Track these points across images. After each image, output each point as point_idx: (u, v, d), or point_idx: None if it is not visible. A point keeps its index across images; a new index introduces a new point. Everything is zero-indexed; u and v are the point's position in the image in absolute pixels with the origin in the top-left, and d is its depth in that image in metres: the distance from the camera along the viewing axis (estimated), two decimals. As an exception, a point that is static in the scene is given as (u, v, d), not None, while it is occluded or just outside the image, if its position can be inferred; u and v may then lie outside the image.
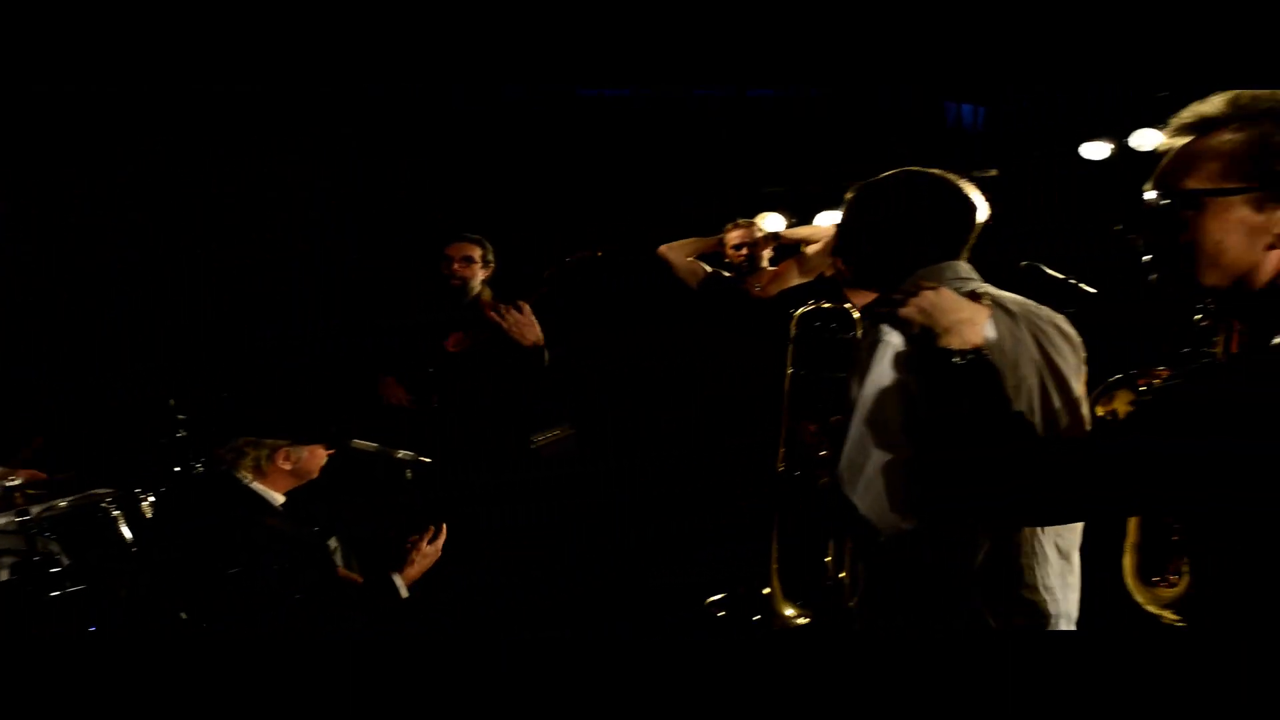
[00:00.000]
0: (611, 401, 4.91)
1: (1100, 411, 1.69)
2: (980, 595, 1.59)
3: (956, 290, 1.56)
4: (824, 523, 1.90)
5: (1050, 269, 3.42)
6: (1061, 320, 1.77)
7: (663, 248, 4.10)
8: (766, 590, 2.41)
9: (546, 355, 3.51)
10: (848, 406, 1.56)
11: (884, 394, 1.52)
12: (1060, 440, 1.55)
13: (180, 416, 2.89)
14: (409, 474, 3.20)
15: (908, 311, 1.45)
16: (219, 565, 2.43)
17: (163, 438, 2.88)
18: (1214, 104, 1.16)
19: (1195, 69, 4.64)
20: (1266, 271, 1.11)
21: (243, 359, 4.18)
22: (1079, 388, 1.71)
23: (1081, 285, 3.35)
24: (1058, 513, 1.34)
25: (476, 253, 3.80)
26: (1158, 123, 3.90)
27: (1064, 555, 1.67)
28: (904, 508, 1.51)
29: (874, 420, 1.52)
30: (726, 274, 3.98)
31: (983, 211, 1.80)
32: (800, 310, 2.21)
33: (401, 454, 3.17)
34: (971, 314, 1.44)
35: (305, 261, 4.67)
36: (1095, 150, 4.91)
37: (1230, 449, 1.01)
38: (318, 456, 2.82)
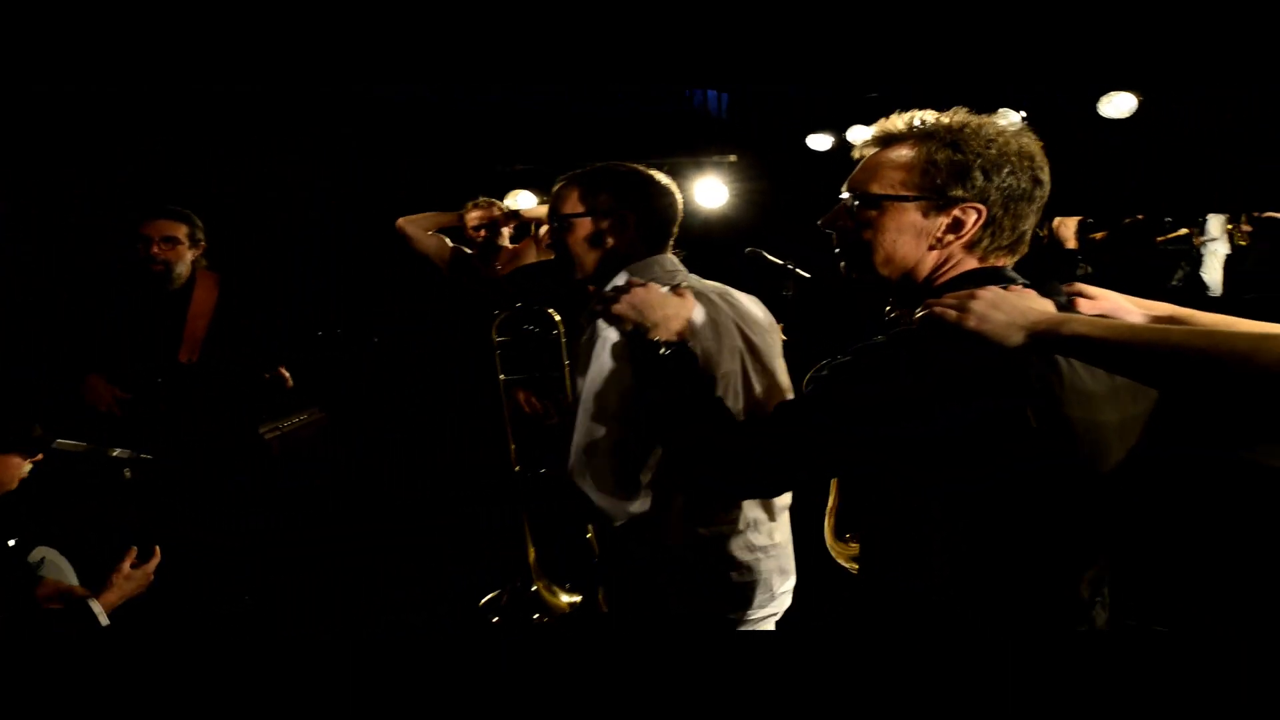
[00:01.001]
0: (360, 388, 4.74)
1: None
2: (697, 561, 1.70)
3: (663, 283, 1.63)
4: (571, 512, 1.96)
5: (771, 255, 3.74)
6: (759, 306, 1.89)
7: (401, 220, 3.95)
8: (534, 587, 2.45)
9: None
10: (573, 402, 1.60)
11: (605, 387, 1.58)
12: (752, 420, 1.67)
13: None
14: (127, 473, 2.87)
15: (619, 308, 1.50)
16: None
17: None
18: (896, 122, 1.31)
19: (904, 73, 5.22)
20: (926, 267, 1.29)
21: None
22: (779, 367, 1.83)
23: (798, 270, 3.69)
24: (761, 485, 1.45)
25: (181, 230, 3.29)
26: (868, 121, 4.31)
27: (771, 517, 1.80)
28: (633, 494, 1.58)
29: (599, 413, 1.57)
30: (468, 250, 3.92)
31: (682, 203, 1.85)
32: (498, 317, 2.23)
33: (117, 452, 2.81)
34: (676, 308, 1.52)
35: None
36: (820, 142, 5.34)
37: (851, 428, 1.18)
38: (11, 466, 2.44)
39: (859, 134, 5.21)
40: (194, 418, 3.28)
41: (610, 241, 1.76)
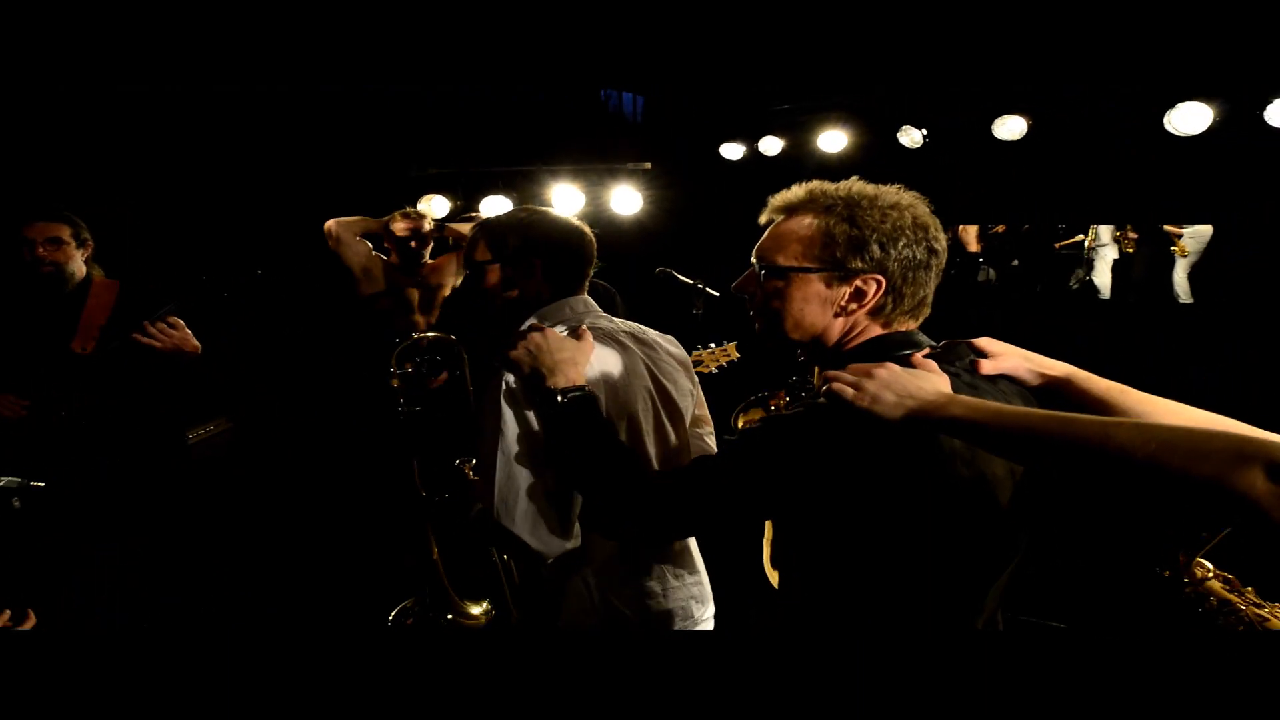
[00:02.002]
0: (271, 396, 4.64)
1: (741, 423, 1.91)
2: (612, 593, 1.75)
3: (571, 325, 1.68)
4: (484, 541, 1.97)
5: (680, 274, 3.82)
6: (672, 344, 1.93)
7: (332, 222, 3.86)
8: (446, 598, 2.45)
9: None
10: (487, 441, 1.61)
11: (519, 432, 1.59)
12: (660, 471, 1.72)
13: None
14: (16, 502, 2.76)
15: (517, 354, 1.55)
16: None
17: None
18: (797, 193, 1.38)
19: (812, 86, 5.35)
20: (834, 333, 1.36)
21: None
22: (687, 406, 1.87)
23: (708, 289, 3.79)
24: (676, 528, 1.51)
25: (65, 231, 3.17)
26: (779, 130, 4.40)
27: (684, 551, 1.86)
28: (566, 532, 1.60)
29: (517, 456, 1.58)
30: (385, 258, 3.87)
31: (594, 247, 1.88)
32: (400, 345, 2.23)
33: (4, 481, 2.71)
34: (573, 353, 1.55)
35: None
36: (732, 151, 5.42)
37: (772, 479, 1.26)
38: None
39: (770, 144, 5.32)
40: (106, 418, 3.17)
41: (518, 286, 1.79)
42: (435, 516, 2.26)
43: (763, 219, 1.42)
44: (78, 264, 3.18)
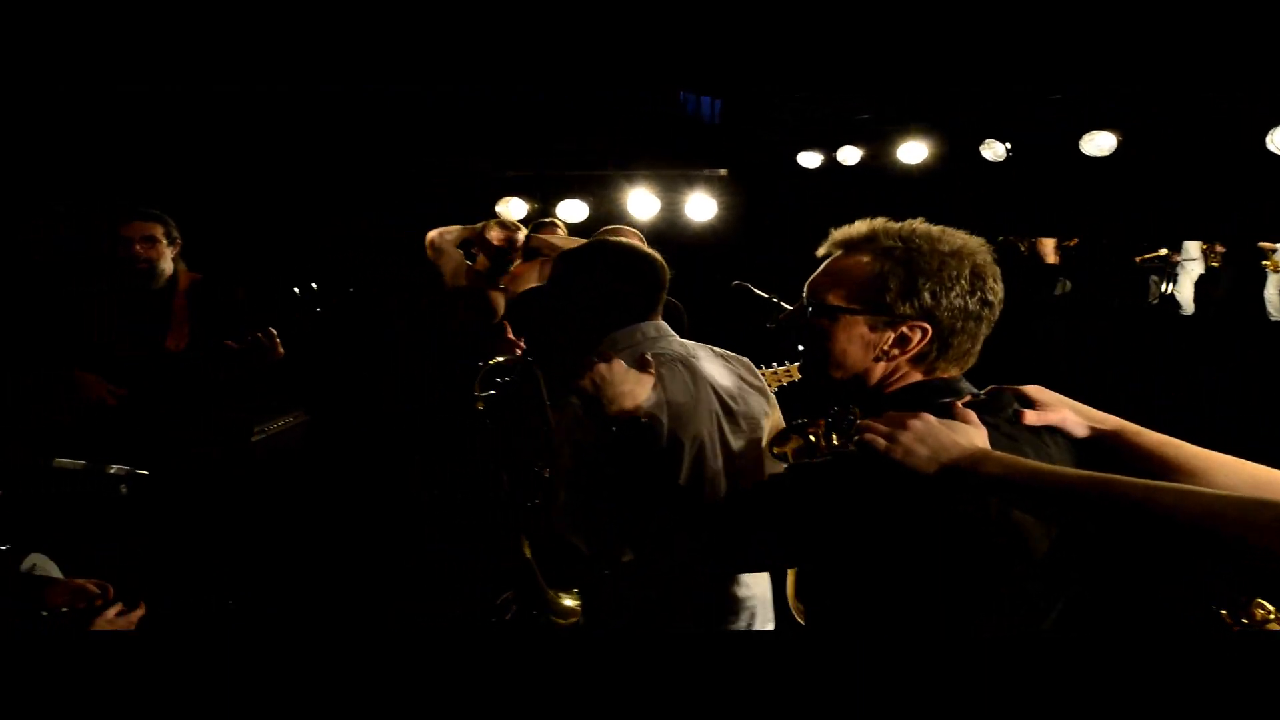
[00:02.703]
0: (347, 392, 4.81)
1: (776, 450, 1.93)
2: (669, 604, 1.80)
3: (641, 352, 1.72)
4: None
5: (757, 289, 3.84)
6: (754, 373, 1.97)
7: (434, 233, 3.98)
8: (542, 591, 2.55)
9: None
10: (554, 461, 1.71)
11: (581, 455, 1.67)
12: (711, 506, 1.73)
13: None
14: (124, 489, 2.94)
15: (583, 384, 1.57)
16: None
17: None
18: (859, 229, 1.37)
19: (894, 96, 5.30)
20: (875, 376, 1.36)
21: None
22: (760, 426, 1.88)
23: (783, 304, 3.79)
24: (720, 563, 1.57)
25: (158, 230, 3.39)
26: (859, 139, 4.38)
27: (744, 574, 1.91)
28: (621, 547, 1.68)
29: (579, 476, 1.67)
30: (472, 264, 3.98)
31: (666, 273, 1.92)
32: (486, 365, 2.32)
33: (114, 469, 2.88)
34: (634, 385, 1.57)
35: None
36: (809, 159, 5.40)
37: (812, 525, 1.28)
38: None
39: (848, 154, 5.29)
40: (189, 416, 3.35)
41: (590, 314, 1.85)
42: (527, 521, 2.35)
43: (820, 251, 1.42)
44: (167, 261, 3.38)
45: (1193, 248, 7.25)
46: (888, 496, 1.20)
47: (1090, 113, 4.56)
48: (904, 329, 1.31)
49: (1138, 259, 7.45)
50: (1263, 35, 3.89)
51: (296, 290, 4.07)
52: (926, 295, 1.29)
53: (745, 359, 1.99)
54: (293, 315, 3.98)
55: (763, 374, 3.36)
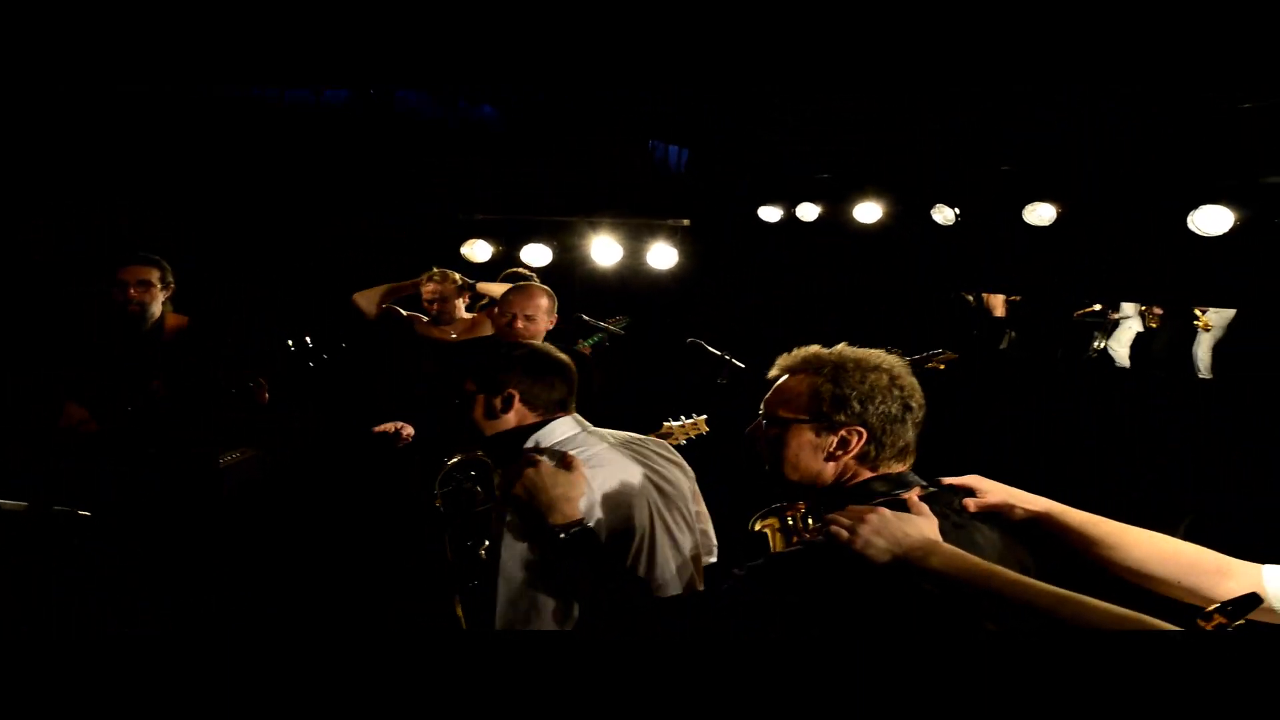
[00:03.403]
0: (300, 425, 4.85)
1: (757, 527, 2.06)
2: None
3: (563, 451, 1.80)
4: None
5: (710, 345, 4.01)
6: (664, 447, 2.04)
7: (356, 296, 4.13)
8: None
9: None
10: (493, 565, 1.74)
11: (520, 560, 1.72)
12: (669, 602, 1.81)
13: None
14: (66, 530, 3.00)
15: (516, 492, 1.69)
16: None
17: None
18: (796, 356, 1.63)
19: (851, 158, 5.54)
20: (828, 475, 1.56)
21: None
22: (689, 504, 1.98)
23: (734, 360, 3.97)
24: None
25: (154, 275, 3.51)
26: (818, 197, 4.60)
27: None
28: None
29: (517, 581, 1.71)
30: (424, 317, 4.09)
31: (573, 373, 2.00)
32: (448, 464, 2.43)
33: (58, 509, 2.94)
34: (565, 488, 1.69)
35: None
36: (770, 213, 5.62)
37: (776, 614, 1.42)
38: None
39: (807, 210, 5.52)
40: (161, 447, 3.43)
41: (502, 414, 1.92)
42: (464, 593, 2.42)
43: (770, 374, 1.65)
44: (158, 304, 3.51)
45: (1128, 307, 7.60)
46: (851, 580, 1.36)
47: (1034, 184, 4.85)
48: (843, 433, 1.53)
49: (1076, 314, 7.79)
50: (1181, 123, 4.20)
51: (290, 344, 4.16)
52: (856, 404, 1.53)
53: (654, 439, 2.09)
54: (285, 367, 4.08)
55: (670, 427, 3.51)
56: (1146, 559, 1.45)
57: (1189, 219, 4.26)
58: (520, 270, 4.58)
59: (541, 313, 3.32)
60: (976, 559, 1.33)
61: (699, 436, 3.53)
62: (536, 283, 3.62)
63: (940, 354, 3.93)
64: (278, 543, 4.14)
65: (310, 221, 5.26)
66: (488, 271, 4.83)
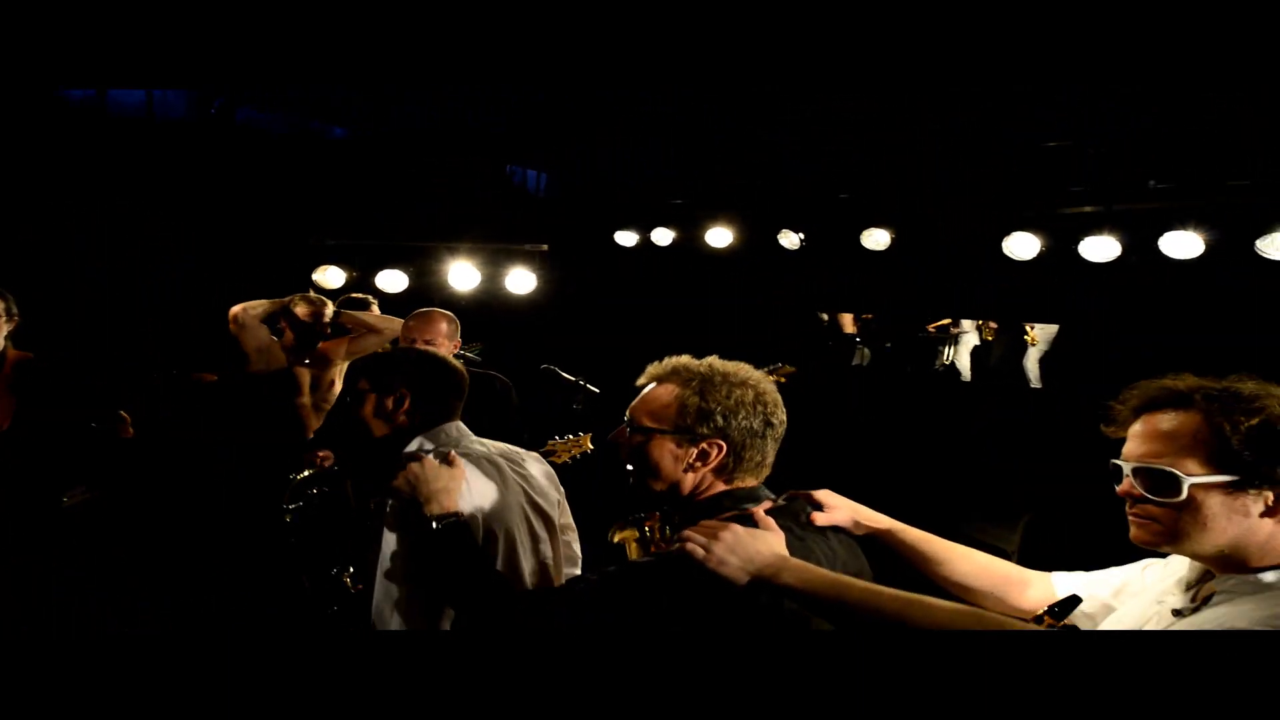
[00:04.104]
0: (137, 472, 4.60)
1: (616, 538, 2.11)
2: None
3: (447, 450, 1.85)
4: None
5: (564, 372, 4.06)
6: (537, 460, 2.11)
7: (237, 308, 3.92)
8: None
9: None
10: (369, 558, 1.76)
11: (395, 551, 1.75)
12: (532, 595, 1.87)
13: None
14: None
15: (398, 483, 1.72)
16: None
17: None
18: (666, 365, 1.65)
19: (702, 186, 5.74)
20: (686, 485, 1.59)
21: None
22: (556, 515, 2.03)
23: (589, 386, 4.04)
24: None
25: None
26: (672, 222, 4.73)
27: None
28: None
29: (393, 574, 1.74)
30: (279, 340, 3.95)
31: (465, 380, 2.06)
32: (296, 478, 2.40)
33: None
34: (447, 481, 1.72)
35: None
36: (626, 238, 5.74)
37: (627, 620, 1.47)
38: None
39: (662, 235, 5.67)
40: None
41: (393, 414, 1.95)
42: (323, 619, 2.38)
43: (639, 382, 1.68)
44: (0, 338, 3.28)
45: (966, 322, 8.14)
46: (704, 594, 1.41)
47: (869, 211, 5.16)
48: (704, 445, 1.56)
49: (930, 327, 8.25)
50: (990, 156, 4.58)
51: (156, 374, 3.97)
52: (719, 418, 1.57)
53: (532, 453, 2.13)
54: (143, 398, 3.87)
55: (554, 445, 3.56)
56: (968, 574, 1.60)
57: (1003, 244, 4.64)
58: (356, 296, 4.46)
59: (441, 337, 3.31)
60: (826, 571, 1.40)
61: (582, 455, 3.59)
62: (437, 308, 3.58)
63: (780, 367, 4.12)
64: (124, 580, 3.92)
65: (151, 242, 4.99)
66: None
